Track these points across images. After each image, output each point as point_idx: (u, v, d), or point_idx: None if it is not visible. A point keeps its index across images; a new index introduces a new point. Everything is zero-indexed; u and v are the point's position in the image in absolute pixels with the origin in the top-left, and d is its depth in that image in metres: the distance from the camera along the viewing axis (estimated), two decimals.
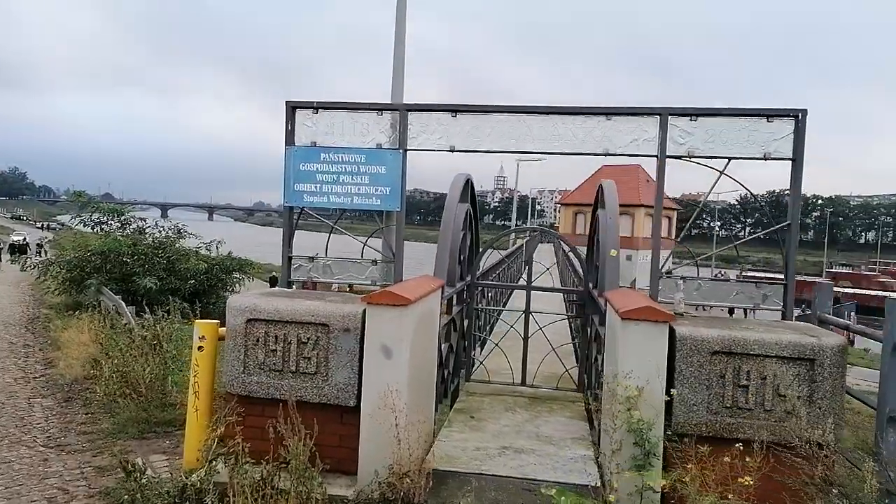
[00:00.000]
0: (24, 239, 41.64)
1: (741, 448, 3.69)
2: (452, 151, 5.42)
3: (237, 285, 16.45)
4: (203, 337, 5.08)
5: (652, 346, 3.93)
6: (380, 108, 5.52)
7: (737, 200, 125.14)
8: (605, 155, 5.11)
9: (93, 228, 15.60)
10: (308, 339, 4.54)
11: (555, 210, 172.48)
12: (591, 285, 6.95)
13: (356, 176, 5.44)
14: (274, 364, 4.59)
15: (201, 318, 9.89)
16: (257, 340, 4.62)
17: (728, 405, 4.04)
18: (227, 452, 4.29)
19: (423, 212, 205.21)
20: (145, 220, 16.23)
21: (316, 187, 5.52)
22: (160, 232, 15.25)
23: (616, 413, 3.89)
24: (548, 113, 5.23)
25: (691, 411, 4.05)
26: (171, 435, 5.96)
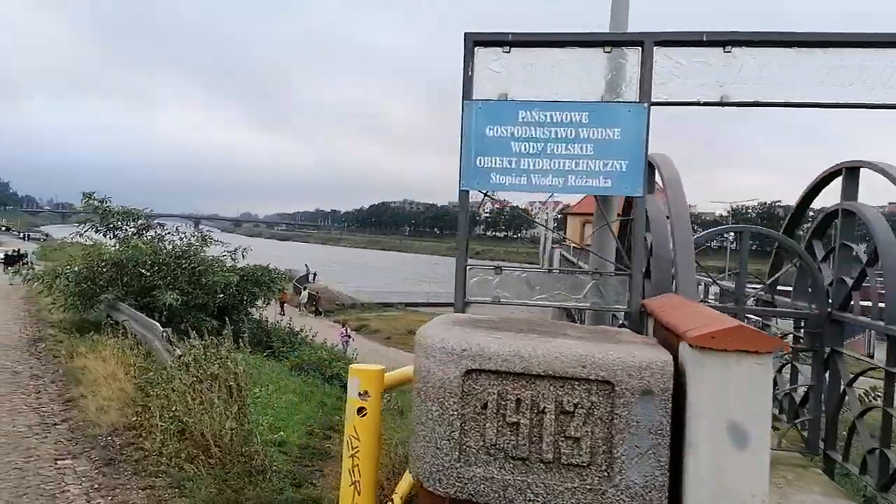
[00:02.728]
0: (18, 250, 39.03)
1: None
2: (723, 105, 3.63)
3: (264, 300, 14.49)
4: (366, 393, 3.21)
5: None
6: (610, 42, 3.71)
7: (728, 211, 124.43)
8: None
9: (105, 235, 13.59)
10: (575, 405, 2.68)
11: (551, 221, 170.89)
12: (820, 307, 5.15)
13: (574, 144, 3.62)
14: (514, 447, 2.73)
15: (235, 340, 8.07)
16: (484, 406, 2.76)
17: None
18: None
19: (413, 223, 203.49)
20: (164, 226, 14.26)
21: (510, 162, 3.68)
22: (182, 239, 13.27)
23: None
24: (880, 44, 3.46)
25: None
26: None
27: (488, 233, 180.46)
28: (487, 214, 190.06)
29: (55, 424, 6.39)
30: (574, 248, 28.42)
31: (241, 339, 7.56)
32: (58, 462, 5.28)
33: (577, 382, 2.70)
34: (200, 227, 18.26)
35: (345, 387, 11.94)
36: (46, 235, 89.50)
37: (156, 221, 14.50)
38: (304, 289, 43.31)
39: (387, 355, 27.94)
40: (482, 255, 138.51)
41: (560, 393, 2.71)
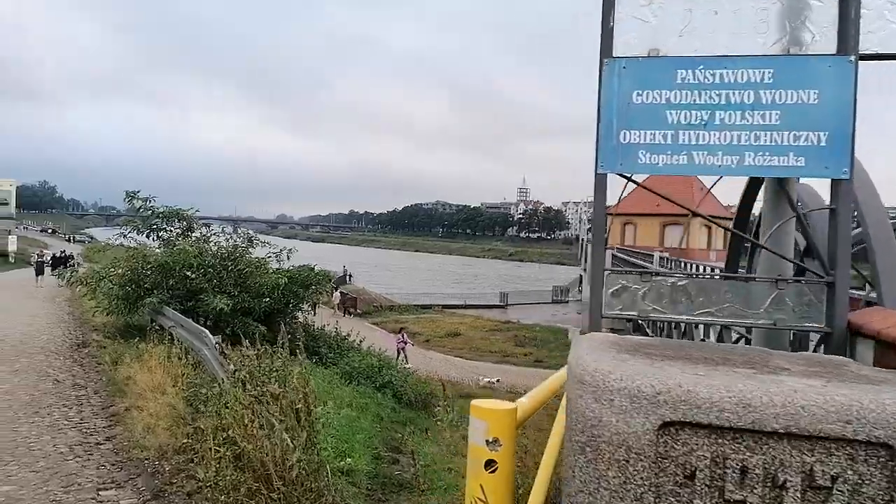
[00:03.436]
0: (64, 251, 39.57)
1: None
2: None
3: (309, 303, 13.79)
4: (496, 441, 2.42)
5: None
6: None
7: None
8: None
9: (148, 236, 13.19)
10: (834, 478, 1.84)
11: (582, 222, 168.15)
12: None
13: (753, 112, 2.77)
14: None
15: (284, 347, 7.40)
16: (691, 475, 1.94)
17: None
18: None
19: (446, 224, 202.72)
20: (210, 226, 13.81)
21: (665, 136, 2.85)
22: (227, 240, 12.75)
23: None
24: None
25: None
26: None
27: (521, 234, 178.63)
28: (521, 216, 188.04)
29: (98, 444, 5.80)
30: (618, 248, 26.95)
31: (297, 348, 6.90)
32: (100, 493, 4.65)
33: (835, 445, 1.86)
34: (239, 229, 17.74)
35: (397, 396, 11.17)
36: (91, 237, 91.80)
37: (201, 222, 14.06)
38: (335, 289, 42.85)
39: (427, 358, 27.19)
40: (515, 256, 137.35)
41: (809, 459, 1.87)
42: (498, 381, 21.49)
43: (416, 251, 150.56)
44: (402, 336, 24.96)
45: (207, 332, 7.48)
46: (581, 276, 57.27)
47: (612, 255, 20.84)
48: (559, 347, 30.96)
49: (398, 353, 23.39)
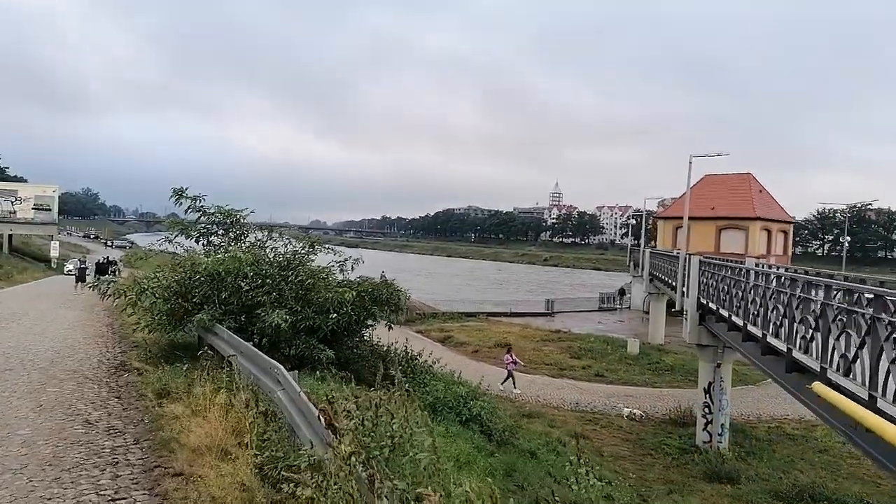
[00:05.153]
0: (107, 257, 38.69)
1: None
2: None
3: (386, 322, 11.54)
4: None
5: None
6: None
7: (814, 215, 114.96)
8: None
9: (197, 241, 11.53)
10: None
11: (617, 227, 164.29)
12: None
13: None
14: None
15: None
16: None
17: None
18: None
19: (478, 229, 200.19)
20: (264, 230, 12.13)
21: None
22: (286, 246, 11.00)
23: None
24: None
25: None
26: None
27: (554, 239, 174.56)
28: (554, 220, 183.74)
29: None
30: (706, 255, 23.67)
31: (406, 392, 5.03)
32: None
33: None
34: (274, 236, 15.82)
35: (487, 433, 9.11)
36: (132, 243, 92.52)
37: (253, 227, 12.35)
38: None
39: (481, 373, 25.08)
40: (549, 261, 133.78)
41: None
42: (644, 415, 18.10)
43: (449, 256, 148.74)
44: (511, 356, 20.67)
45: (280, 365, 5.63)
46: (623, 286, 54.69)
47: (700, 261, 18.47)
48: (617, 360, 28.66)
49: (508, 375, 20.23)
